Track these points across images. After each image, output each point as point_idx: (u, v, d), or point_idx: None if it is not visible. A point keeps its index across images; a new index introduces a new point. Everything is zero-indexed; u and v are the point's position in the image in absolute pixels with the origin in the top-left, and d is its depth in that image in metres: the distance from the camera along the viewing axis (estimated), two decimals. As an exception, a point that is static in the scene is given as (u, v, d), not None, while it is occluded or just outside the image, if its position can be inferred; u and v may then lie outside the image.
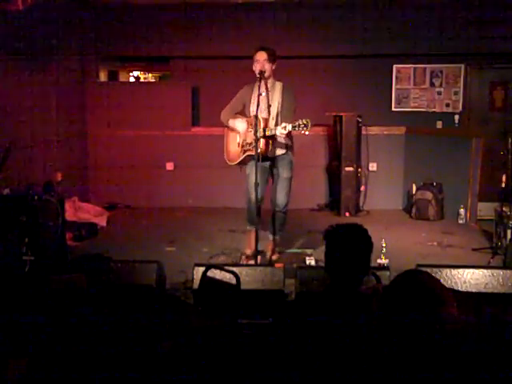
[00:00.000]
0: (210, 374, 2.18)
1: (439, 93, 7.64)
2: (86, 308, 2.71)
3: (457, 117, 7.60)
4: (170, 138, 7.70)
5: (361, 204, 7.50)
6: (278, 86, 4.86)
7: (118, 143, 7.68)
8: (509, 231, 5.14)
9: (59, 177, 6.72)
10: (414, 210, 7.09)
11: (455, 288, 3.46)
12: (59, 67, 6.94)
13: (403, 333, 1.77)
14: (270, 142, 4.74)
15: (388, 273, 3.50)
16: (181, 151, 7.74)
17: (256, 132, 4.52)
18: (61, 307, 2.71)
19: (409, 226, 6.79)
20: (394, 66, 7.66)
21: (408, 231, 6.47)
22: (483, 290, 3.48)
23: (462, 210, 6.75)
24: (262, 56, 4.77)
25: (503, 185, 5.49)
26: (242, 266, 4.37)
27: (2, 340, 2.41)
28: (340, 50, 7.49)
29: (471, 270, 3.54)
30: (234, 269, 3.37)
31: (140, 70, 9.40)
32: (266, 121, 4.72)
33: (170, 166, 7.81)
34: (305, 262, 4.92)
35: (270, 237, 5.13)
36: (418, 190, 7.08)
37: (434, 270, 3.48)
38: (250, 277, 3.57)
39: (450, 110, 7.63)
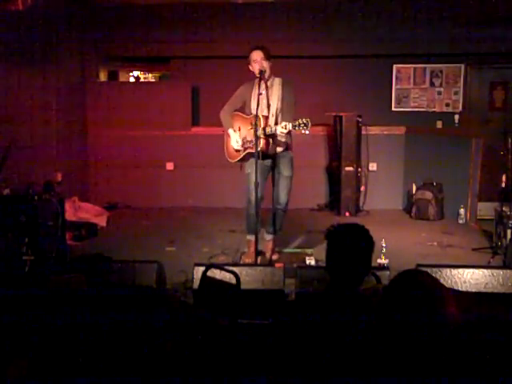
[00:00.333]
0: (210, 374, 2.18)
1: (439, 93, 7.64)
2: (86, 308, 2.71)
3: (457, 117, 7.61)
4: (170, 138, 7.70)
5: (361, 204, 7.50)
6: (277, 81, 4.87)
7: (118, 143, 7.69)
8: (509, 231, 5.14)
9: (59, 177, 6.72)
10: (414, 210, 7.09)
11: (455, 288, 3.46)
12: (59, 67, 6.94)
13: (403, 333, 1.77)
14: (271, 140, 4.74)
15: (388, 273, 3.50)
16: (181, 151, 7.74)
17: (256, 131, 4.53)
18: (61, 307, 2.71)
19: (409, 226, 6.79)
20: (394, 66, 7.67)
21: (408, 231, 6.47)
22: (483, 290, 3.47)
23: (462, 210, 6.75)
24: (259, 55, 4.76)
25: (503, 185, 5.49)
26: (242, 265, 4.37)
27: (3, 340, 2.41)
28: (340, 50, 7.50)
29: (471, 270, 3.54)
30: (234, 269, 3.36)
31: (140, 70, 9.40)
32: (267, 119, 4.73)
33: (169, 165, 7.81)
34: (305, 262, 4.92)
35: (270, 237, 5.13)
36: (417, 189, 7.08)
37: (434, 269, 3.48)
38: (249, 277, 3.57)
39: (449, 109, 7.64)
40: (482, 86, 7.63)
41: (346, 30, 7.43)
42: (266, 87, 4.80)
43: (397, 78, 7.69)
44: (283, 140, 4.82)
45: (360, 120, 7.22)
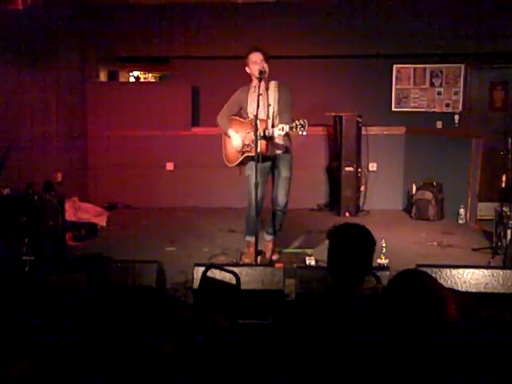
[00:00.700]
0: (210, 374, 2.18)
1: (439, 93, 7.64)
2: (85, 308, 2.71)
3: (457, 117, 7.61)
4: (170, 138, 7.70)
5: (361, 204, 7.50)
6: (273, 84, 4.88)
7: (117, 143, 7.68)
8: (509, 231, 5.14)
9: (59, 177, 6.72)
10: (413, 210, 7.09)
11: (455, 288, 3.46)
12: (59, 67, 6.94)
13: (403, 333, 1.77)
14: (269, 142, 4.74)
15: (388, 273, 3.50)
16: (181, 151, 7.74)
17: (257, 131, 4.52)
18: (61, 307, 2.71)
19: (409, 226, 6.79)
20: (394, 66, 7.67)
21: (408, 231, 6.46)
22: (483, 290, 3.48)
23: (462, 210, 6.75)
24: (258, 57, 4.77)
25: (503, 185, 5.49)
26: (242, 265, 4.37)
27: (2, 340, 2.41)
28: (340, 50, 7.50)
29: (471, 270, 3.54)
30: (234, 269, 3.36)
31: (140, 70, 9.41)
32: (265, 122, 4.73)
33: (169, 166, 7.81)
34: (305, 262, 4.92)
35: (270, 237, 5.13)
36: (417, 190, 7.08)
37: (434, 270, 3.49)
38: (249, 277, 3.57)
39: (449, 109, 7.63)
40: (481, 86, 7.63)
41: (345, 30, 7.44)
42: (266, 88, 4.81)
43: (397, 78, 7.68)
44: (281, 142, 4.82)
45: (360, 120, 7.22)
